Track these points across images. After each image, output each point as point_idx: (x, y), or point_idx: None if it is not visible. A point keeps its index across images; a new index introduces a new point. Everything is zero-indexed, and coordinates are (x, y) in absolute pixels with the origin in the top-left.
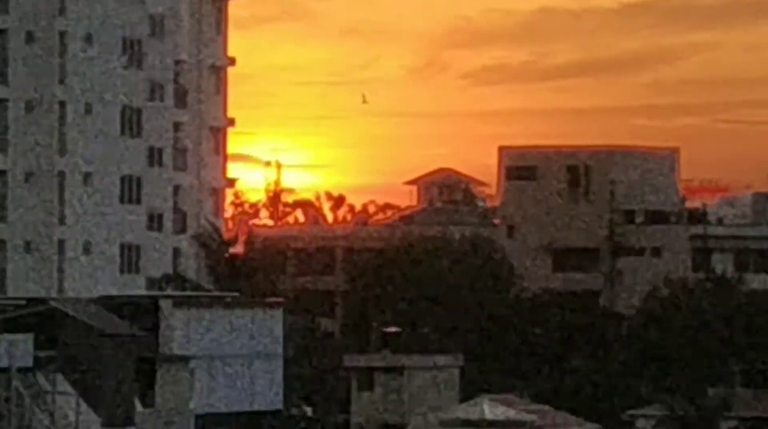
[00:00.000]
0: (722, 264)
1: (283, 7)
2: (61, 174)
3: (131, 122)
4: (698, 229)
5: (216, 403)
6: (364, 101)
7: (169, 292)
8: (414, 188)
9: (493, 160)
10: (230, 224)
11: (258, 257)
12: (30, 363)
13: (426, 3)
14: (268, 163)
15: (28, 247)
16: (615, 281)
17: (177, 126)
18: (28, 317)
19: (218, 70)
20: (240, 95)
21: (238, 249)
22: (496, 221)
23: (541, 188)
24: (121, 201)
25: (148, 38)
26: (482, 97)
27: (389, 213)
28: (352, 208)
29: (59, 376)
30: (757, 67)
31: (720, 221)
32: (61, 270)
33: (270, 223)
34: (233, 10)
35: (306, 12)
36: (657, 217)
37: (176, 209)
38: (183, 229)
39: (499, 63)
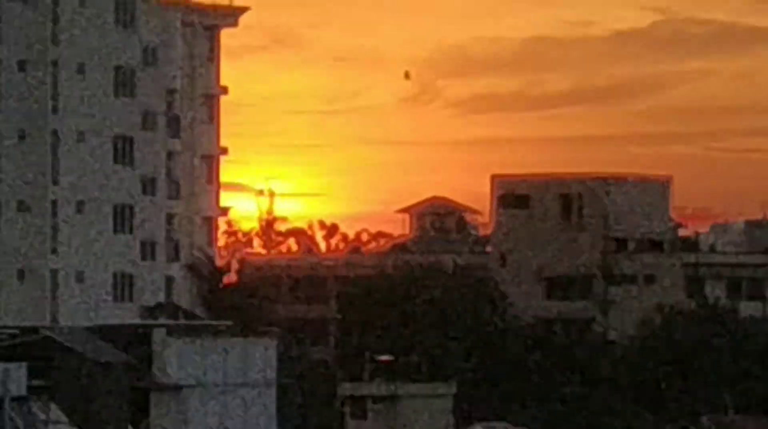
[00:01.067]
0: (715, 292)
1: (275, 36)
2: (54, 203)
3: (124, 151)
4: (691, 257)
5: None
6: (407, 76)
7: (162, 320)
8: (406, 217)
9: (486, 188)
10: (223, 253)
11: (251, 286)
12: (24, 391)
13: (417, 31)
14: (260, 192)
15: (21, 274)
16: (608, 309)
17: (170, 155)
18: (22, 346)
19: (211, 98)
20: (233, 124)
21: (231, 278)
22: (489, 249)
23: (533, 216)
24: (114, 230)
25: (141, 67)
26: (474, 126)
27: (382, 241)
28: (344, 236)
29: (53, 405)
30: (749, 94)
31: (712, 249)
32: (54, 298)
33: (263, 251)
34: (225, 39)
35: (297, 40)
36: (649, 245)
37: (169, 238)
38: (176, 258)
39: (490, 91)
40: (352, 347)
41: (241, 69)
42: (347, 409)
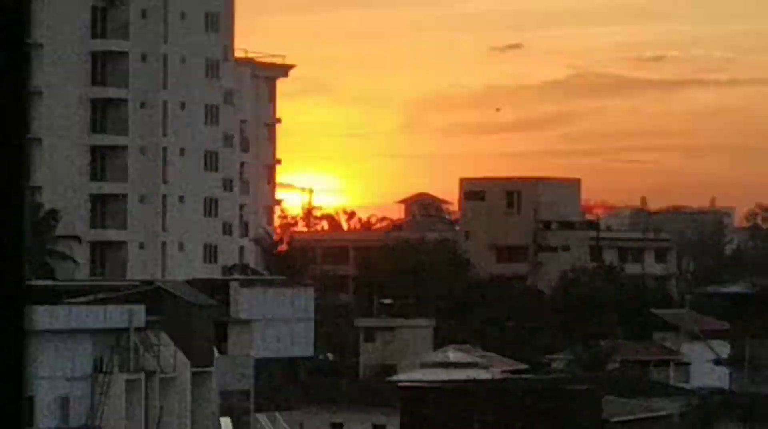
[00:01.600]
0: (609, 257)
1: (312, 84)
2: (164, 196)
3: (211, 161)
4: (593, 234)
5: (267, 351)
6: (498, 110)
7: (236, 276)
8: (402, 206)
9: (456, 187)
10: (278, 231)
11: (296, 253)
12: (143, 324)
13: (411, 81)
14: (303, 190)
15: (141, 246)
16: (538, 268)
17: (242, 164)
18: (142, 294)
19: (270, 126)
20: (284, 143)
21: (282, 247)
22: (458, 228)
23: (487, 206)
24: (204, 215)
25: (223, 105)
26: (448, 145)
27: (385, 223)
28: (360, 219)
29: (162, 333)
30: (634, 123)
31: (608, 228)
32: (164, 261)
33: (304, 229)
34: (279, 86)
35: (328, 87)
36: (566, 225)
37: (241, 220)
38: (246, 234)
39: (460, 122)
40: (365, 295)
41: (290, 106)
42: (361, 335)
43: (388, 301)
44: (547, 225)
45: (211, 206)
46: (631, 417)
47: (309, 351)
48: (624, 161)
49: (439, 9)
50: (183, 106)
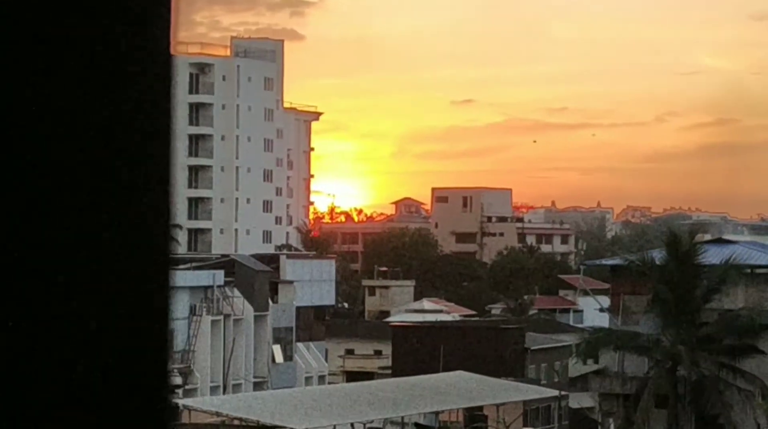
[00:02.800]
0: (530, 241)
1: (334, 125)
2: (237, 200)
3: (268, 176)
4: (519, 225)
5: (304, 301)
6: (534, 142)
7: (284, 252)
8: (394, 206)
9: (429, 193)
10: (311, 222)
11: (323, 237)
12: (222, 283)
13: (400, 123)
14: (328, 195)
15: (221, 231)
16: (483, 247)
17: (288, 178)
18: (221, 263)
19: (306, 153)
20: (316, 164)
21: (315, 233)
22: (430, 221)
23: (450, 206)
24: (263, 211)
25: (276, 139)
26: (425, 165)
27: (383, 217)
28: (366, 215)
29: (236, 289)
30: (546, 152)
31: (529, 221)
32: (236, 242)
33: (329, 222)
34: (314, 126)
35: (345, 126)
36: (501, 219)
37: (287, 215)
38: (290, 224)
39: (433, 150)
40: (369, 264)
41: (321, 140)
42: (366, 291)
43: (384, 268)
44: (489, 219)
45: (267, 205)
46: (545, 346)
47: (331, 301)
48: (540, 177)
49: (418, 75)
50: (249, 139)
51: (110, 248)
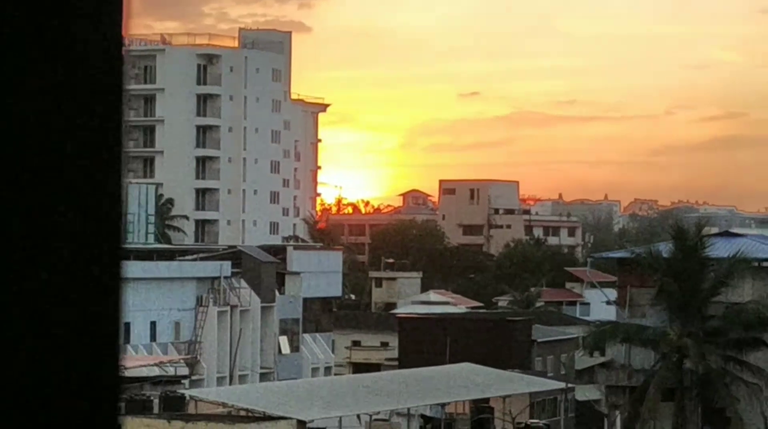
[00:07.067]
0: (538, 233)
1: (342, 117)
2: (244, 191)
3: (276, 167)
4: (527, 217)
5: (310, 292)
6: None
7: (291, 243)
8: (401, 198)
9: (437, 185)
10: (318, 214)
11: (330, 228)
12: (229, 274)
13: (407, 115)
14: (335, 186)
15: (228, 223)
16: (490, 239)
17: (295, 169)
18: (229, 254)
19: (314, 144)
20: (323, 155)
21: (321, 225)
22: (437, 213)
23: (457, 198)
24: (270, 202)
25: (283, 131)
26: (432, 158)
27: (390, 208)
28: (373, 206)
29: (242, 280)
30: (554, 145)
31: (536, 214)
32: (243, 233)
33: (336, 213)
34: (321, 117)
35: (352, 118)
36: (508, 211)
37: (294, 206)
38: (297, 215)
39: (440, 142)
40: (376, 256)
41: (328, 131)
42: (373, 282)
43: (390, 260)
44: (496, 211)
45: (275, 197)
46: (551, 338)
47: (338, 292)
48: (548, 169)
49: (426, 67)
50: (257, 130)
51: (62, 238)
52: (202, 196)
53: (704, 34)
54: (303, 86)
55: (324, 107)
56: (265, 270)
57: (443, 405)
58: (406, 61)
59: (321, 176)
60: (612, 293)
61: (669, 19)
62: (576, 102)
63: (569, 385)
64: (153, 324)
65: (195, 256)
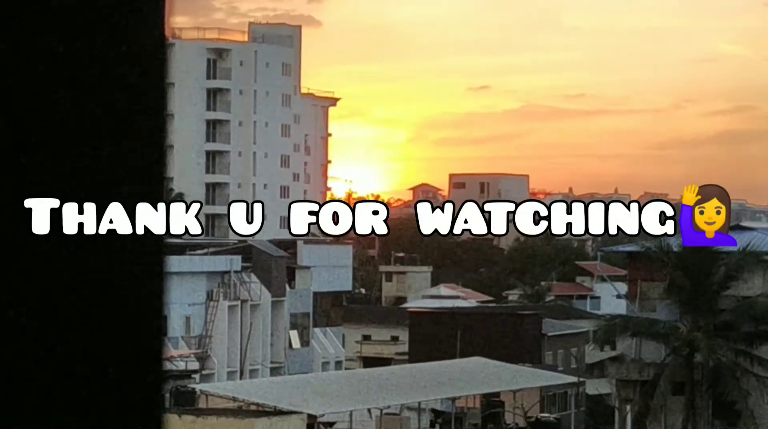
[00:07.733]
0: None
1: (352, 111)
2: (254, 184)
3: (285, 162)
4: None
5: (321, 286)
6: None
7: (301, 237)
8: (411, 192)
9: (447, 179)
10: None
11: None
12: (239, 268)
13: (417, 109)
14: (345, 181)
15: None
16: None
17: (305, 164)
18: (239, 248)
19: (324, 138)
20: (333, 150)
21: None
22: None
23: (467, 192)
24: (280, 196)
25: (293, 125)
26: (442, 152)
27: (400, 203)
28: (383, 200)
29: (252, 274)
30: (563, 139)
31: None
32: None
33: None
34: (331, 111)
35: (362, 112)
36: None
37: (305, 200)
38: None
39: (450, 136)
40: (387, 249)
41: (337, 126)
42: (383, 277)
43: (401, 254)
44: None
45: (284, 191)
46: (562, 332)
47: (348, 286)
48: (556, 163)
49: (435, 61)
50: (267, 124)
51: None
52: (213, 189)
53: (712, 27)
54: (313, 80)
55: (334, 101)
56: (275, 264)
57: (454, 399)
58: (416, 55)
59: (331, 170)
60: (622, 287)
61: (677, 12)
62: (585, 96)
63: (580, 379)
64: (164, 318)
65: (205, 250)
